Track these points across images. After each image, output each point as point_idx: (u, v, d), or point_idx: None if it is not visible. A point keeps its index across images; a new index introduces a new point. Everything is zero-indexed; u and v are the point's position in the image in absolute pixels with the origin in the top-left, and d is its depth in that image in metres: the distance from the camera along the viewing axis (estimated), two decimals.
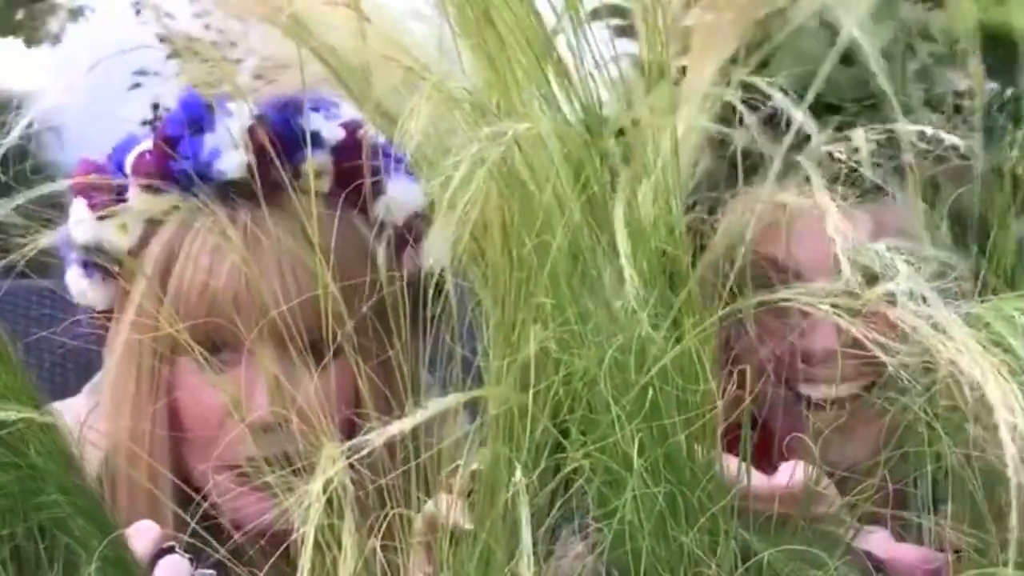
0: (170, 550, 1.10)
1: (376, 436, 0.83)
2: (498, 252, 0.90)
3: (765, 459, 1.12)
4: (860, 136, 0.97)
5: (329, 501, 0.88)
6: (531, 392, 0.86)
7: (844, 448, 1.13)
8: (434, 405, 0.86)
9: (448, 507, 0.94)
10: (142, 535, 1.08)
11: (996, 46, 1.17)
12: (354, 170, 1.20)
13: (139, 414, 1.22)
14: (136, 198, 1.23)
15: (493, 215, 0.89)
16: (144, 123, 1.26)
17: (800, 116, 0.97)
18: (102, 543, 1.02)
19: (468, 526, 0.94)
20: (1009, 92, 1.16)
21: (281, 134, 1.18)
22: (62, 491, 1.03)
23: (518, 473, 0.82)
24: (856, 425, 1.18)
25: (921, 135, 0.98)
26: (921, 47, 1.17)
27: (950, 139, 0.97)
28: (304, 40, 0.98)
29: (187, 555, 1.10)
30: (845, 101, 1.09)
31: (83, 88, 1.14)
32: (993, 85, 1.18)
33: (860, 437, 1.18)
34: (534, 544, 0.89)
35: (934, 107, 1.13)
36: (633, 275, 0.85)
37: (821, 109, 1.07)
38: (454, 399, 0.88)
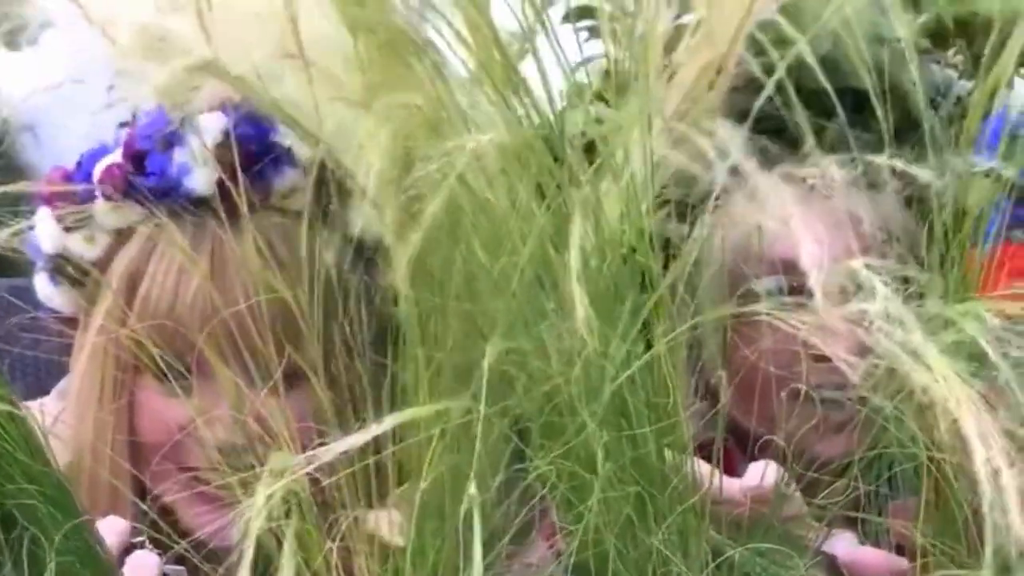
0: (140, 545, 1.09)
1: (326, 451, 0.80)
2: (454, 262, 0.88)
3: (733, 467, 1.10)
4: (830, 165, 0.95)
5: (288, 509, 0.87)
6: (482, 402, 0.83)
7: (832, 442, 1.10)
8: (391, 419, 0.83)
9: (382, 523, 0.93)
10: (110, 530, 1.07)
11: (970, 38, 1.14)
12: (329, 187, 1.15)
13: (101, 428, 1.19)
14: (102, 211, 1.20)
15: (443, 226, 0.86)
16: (123, 125, 1.22)
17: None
18: (70, 533, 1.00)
19: (399, 543, 0.92)
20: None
21: (253, 151, 1.14)
22: (30, 480, 1.01)
23: (472, 487, 0.79)
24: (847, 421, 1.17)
25: (892, 170, 0.96)
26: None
27: (921, 174, 0.94)
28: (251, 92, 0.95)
29: (156, 551, 1.08)
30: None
31: (60, 90, 1.12)
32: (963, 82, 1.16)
33: (847, 433, 1.17)
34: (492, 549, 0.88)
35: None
36: (579, 291, 0.82)
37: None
38: (412, 413, 0.86)
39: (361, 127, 0.84)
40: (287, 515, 0.85)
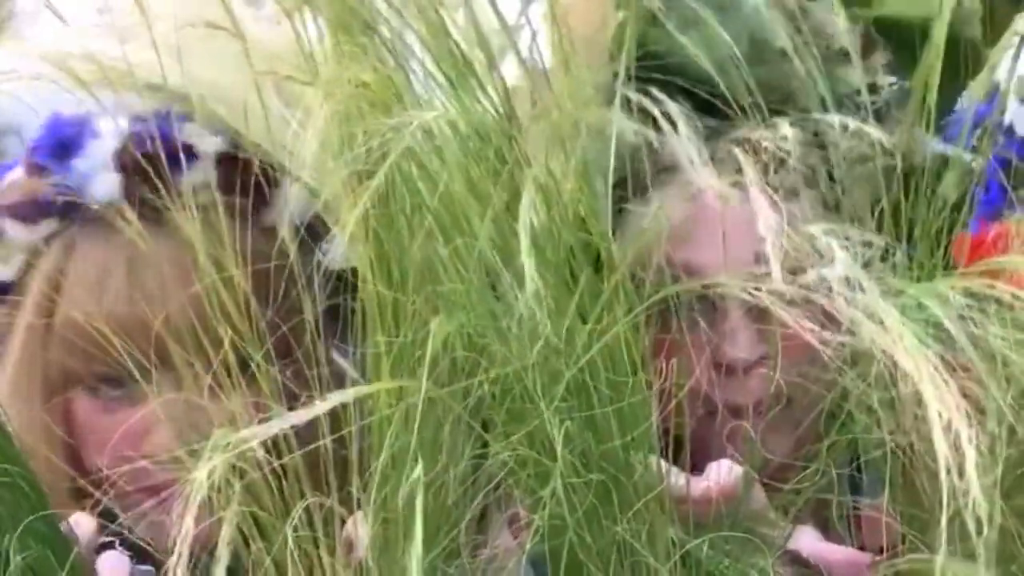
0: (110, 545, 1.06)
1: (267, 428, 0.78)
2: (406, 243, 0.86)
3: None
4: (786, 127, 0.93)
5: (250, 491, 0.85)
6: (423, 380, 0.80)
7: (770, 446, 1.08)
8: (338, 396, 0.81)
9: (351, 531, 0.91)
10: (79, 527, 1.03)
11: (893, 41, 1.14)
12: (241, 178, 1.11)
13: (34, 444, 1.12)
14: (11, 229, 1.16)
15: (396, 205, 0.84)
16: None
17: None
18: (39, 526, 0.98)
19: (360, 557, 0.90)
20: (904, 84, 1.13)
21: (154, 150, 1.10)
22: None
23: (418, 469, 0.77)
24: (781, 426, 1.14)
25: (844, 128, 0.94)
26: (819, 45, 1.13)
27: (874, 134, 0.92)
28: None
29: (127, 552, 1.06)
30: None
31: (45, 90, 1.10)
32: (892, 79, 1.15)
33: (786, 436, 1.14)
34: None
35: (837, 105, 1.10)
36: (534, 274, 0.79)
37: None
38: (355, 392, 0.83)
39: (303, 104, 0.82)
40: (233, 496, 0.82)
